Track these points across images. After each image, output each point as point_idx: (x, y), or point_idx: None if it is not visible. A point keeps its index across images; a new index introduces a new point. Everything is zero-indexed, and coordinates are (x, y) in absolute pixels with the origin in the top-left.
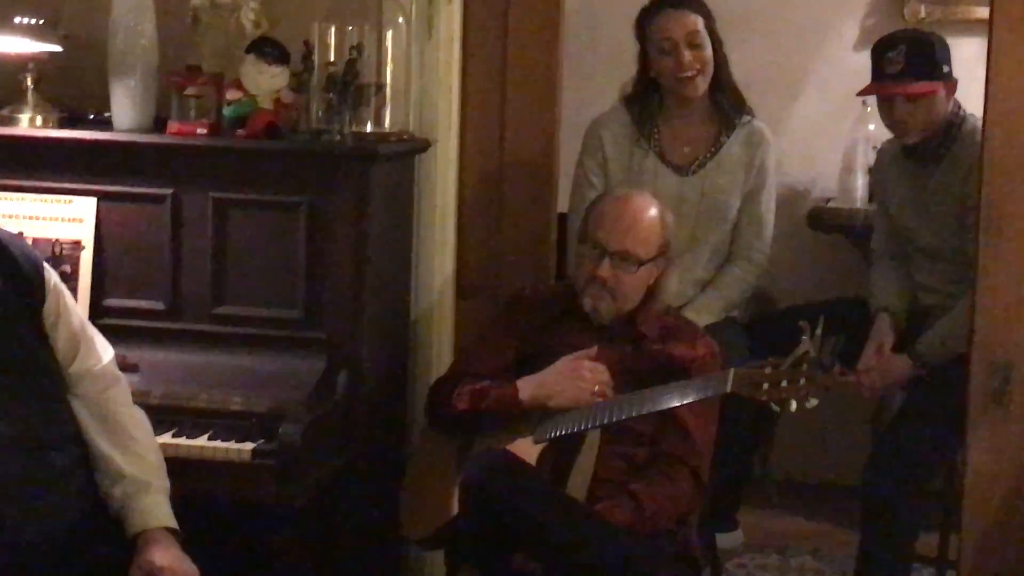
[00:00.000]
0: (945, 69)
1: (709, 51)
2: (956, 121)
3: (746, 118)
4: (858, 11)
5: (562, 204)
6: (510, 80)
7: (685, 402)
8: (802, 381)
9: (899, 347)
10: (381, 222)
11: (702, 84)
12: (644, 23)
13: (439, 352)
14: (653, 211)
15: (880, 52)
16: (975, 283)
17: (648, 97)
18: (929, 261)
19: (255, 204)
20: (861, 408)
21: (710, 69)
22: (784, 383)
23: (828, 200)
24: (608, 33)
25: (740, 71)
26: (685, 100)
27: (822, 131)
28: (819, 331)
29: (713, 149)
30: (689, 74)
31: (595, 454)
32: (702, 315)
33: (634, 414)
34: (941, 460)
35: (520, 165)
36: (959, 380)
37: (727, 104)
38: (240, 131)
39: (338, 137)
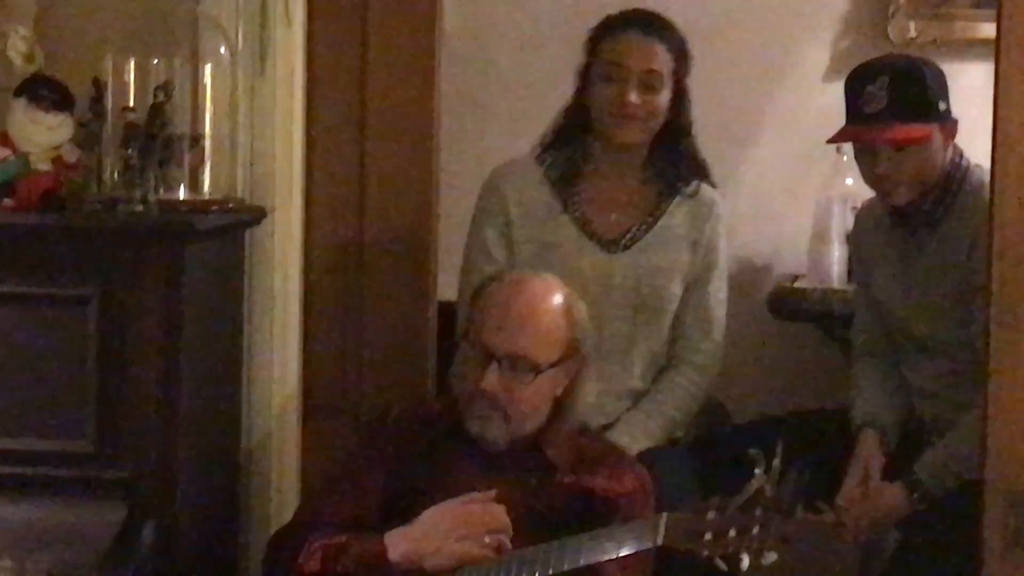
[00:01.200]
0: (942, 107)
1: (663, 99)
2: (957, 174)
3: (694, 184)
4: (829, 30)
5: (444, 290)
6: (371, 127)
7: (605, 558)
8: (755, 529)
9: (891, 473)
10: (199, 320)
11: (639, 133)
12: (599, 38)
13: (280, 494)
14: (556, 298)
15: (857, 85)
16: (986, 388)
17: (572, 142)
18: (926, 359)
19: (27, 299)
20: (843, 556)
21: (657, 121)
22: (732, 533)
23: (795, 279)
24: (502, 63)
25: None
26: (617, 148)
27: (785, 188)
28: (777, 460)
29: (650, 219)
30: (624, 119)
31: None
32: (635, 440)
33: (539, 574)
34: None
35: (387, 240)
36: (970, 516)
37: (671, 169)
38: (6, 201)
39: (140, 207)
